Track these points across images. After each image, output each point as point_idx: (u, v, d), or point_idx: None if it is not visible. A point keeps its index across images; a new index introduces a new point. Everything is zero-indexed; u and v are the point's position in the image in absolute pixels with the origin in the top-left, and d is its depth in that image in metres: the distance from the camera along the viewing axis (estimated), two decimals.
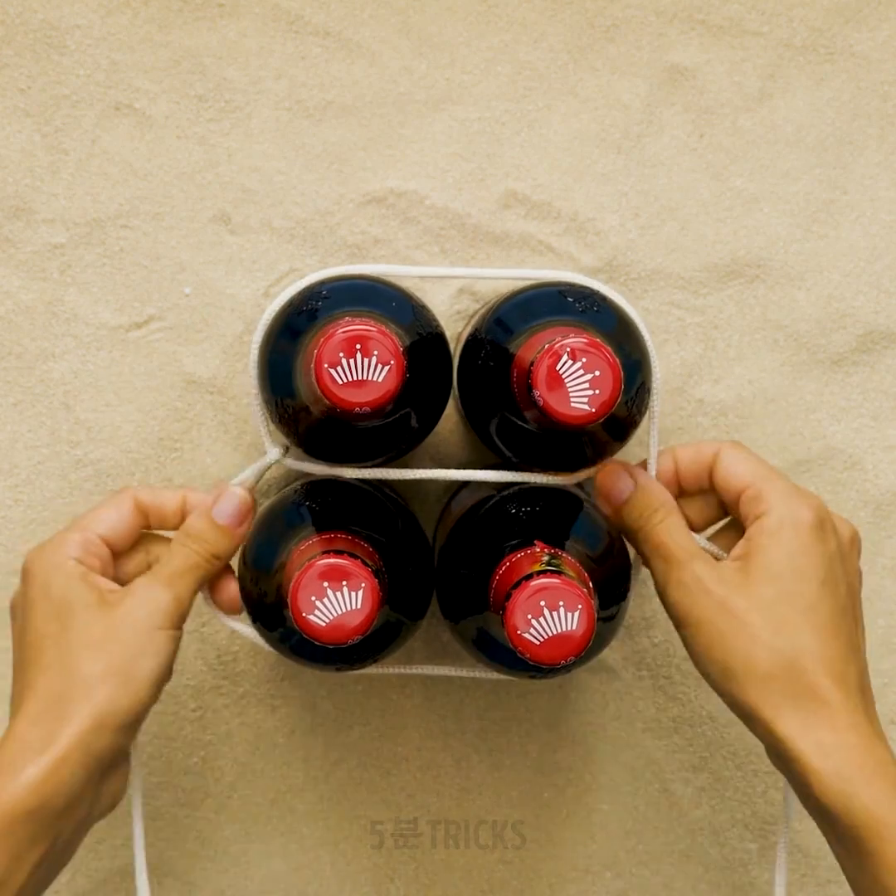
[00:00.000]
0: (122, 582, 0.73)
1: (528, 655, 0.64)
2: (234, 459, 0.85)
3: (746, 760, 0.87)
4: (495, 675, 0.75)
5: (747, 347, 0.85)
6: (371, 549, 0.69)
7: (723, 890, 0.88)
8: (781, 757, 0.66)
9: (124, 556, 0.74)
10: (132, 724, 0.69)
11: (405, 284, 0.74)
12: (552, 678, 0.83)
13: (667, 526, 0.71)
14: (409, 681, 0.86)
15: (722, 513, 0.74)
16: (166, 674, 0.70)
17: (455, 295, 0.84)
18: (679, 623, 0.69)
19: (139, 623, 0.69)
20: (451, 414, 0.82)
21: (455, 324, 0.83)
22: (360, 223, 0.84)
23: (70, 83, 0.83)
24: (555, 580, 0.63)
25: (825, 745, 0.64)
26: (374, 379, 0.64)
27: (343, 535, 0.69)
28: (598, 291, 0.73)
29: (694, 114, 0.85)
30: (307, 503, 0.74)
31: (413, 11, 0.84)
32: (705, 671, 0.68)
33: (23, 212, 0.83)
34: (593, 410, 0.64)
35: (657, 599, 0.87)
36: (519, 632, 0.64)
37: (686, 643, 0.69)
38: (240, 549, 0.77)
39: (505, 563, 0.67)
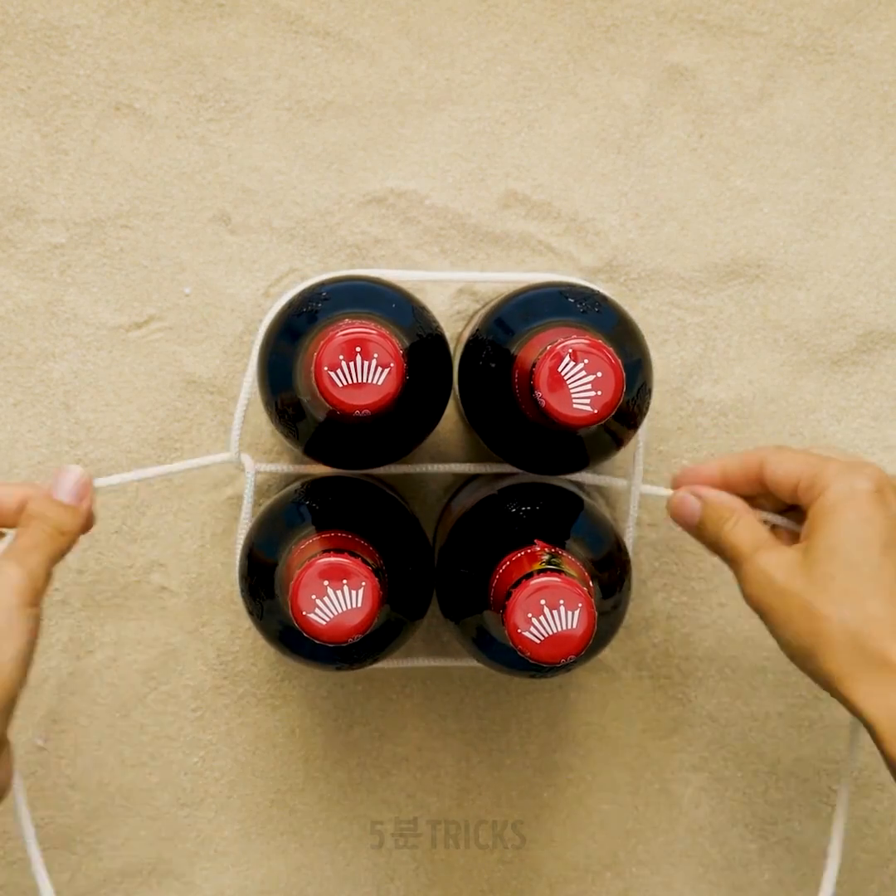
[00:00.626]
0: None
1: (529, 654, 0.64)
2: None
3: (746, 760, 0.87)
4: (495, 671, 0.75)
5: (747, 347, 0.85)
6: (371, 548, 0.70)
7: (723, 890, 0.88)
8: (864, 726, 0.68)
9: None
10: (3, 709, 0.67)
11: (405, 285, 0.74)
12: (552, 677, 0.83)
13: (738, 528, 0.72)
14: (409, 681, 0.86)
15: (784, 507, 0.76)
16: (30, 653, 0.69)
17: (455, 295, 0.84)
18: (759, 614, 0.71)
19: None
20: (450, 414, 0.81)
21: (455, 324, 0.83)
22: (360, 223, 0.84)
23: (70, 83, 0.83)
24: (555, 579, 0.63)
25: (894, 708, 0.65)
26: (374, 381, 0.64)
27: (344, 534, 0.70)
28: (597, 292, 0.73)
29: (694, 114, 0.85)
30: (308, 502, 0.74)
31: (413, 11, 0.84)
32: (789, 656, 0.70)
33: (23, 212, 0.83)
34: (596, 411, 0.64)
35: (657, 600, 0.87)
36: (519, 631, 0.64)
37: (771, 633, 0.71)
38: (242, 548, 0.77)
39: (505, 563, 0.67)
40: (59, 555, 0.72)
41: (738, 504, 0.73)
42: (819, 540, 0.68)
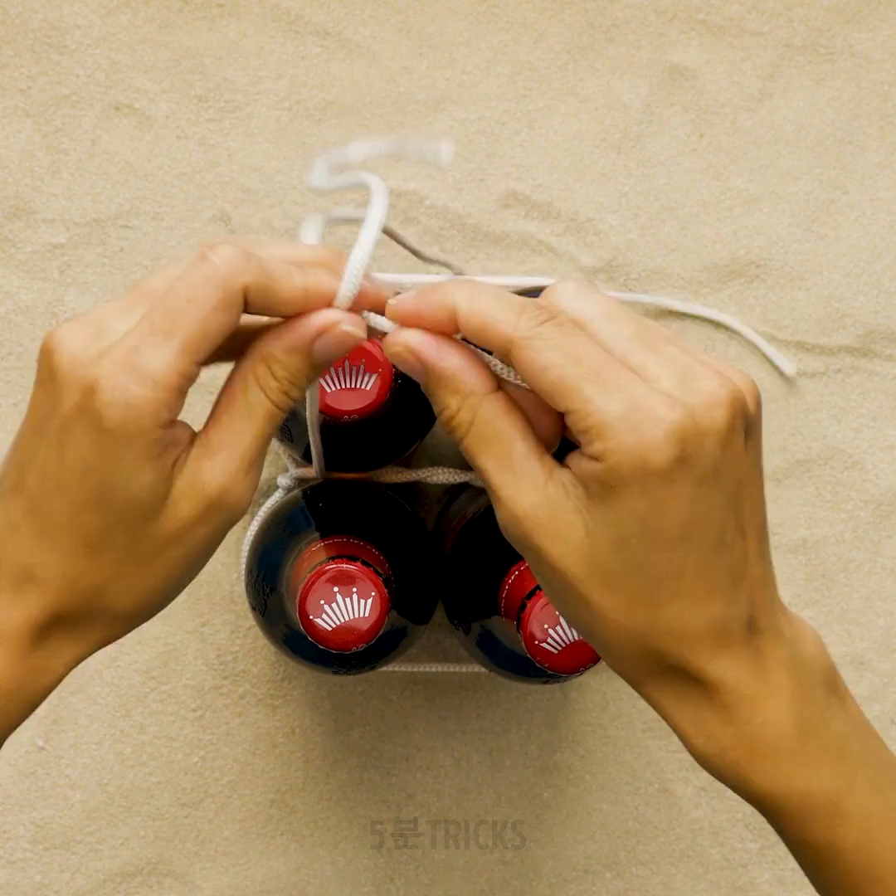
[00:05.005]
0: None
1: (547, 665, 0.64)
2: None
3: None
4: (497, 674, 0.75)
5: (747, 347, 0.85)
6: (381, 557, 0.69)
7: (723, 890, 0.88)
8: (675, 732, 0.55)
9: None
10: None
11: (402, 286, 0.74)
12: (563, 683, 0.83)
13: (478, 429, 0.52)
14: (409, 682, 0.86)
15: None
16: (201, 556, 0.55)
17: None
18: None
19: (199, 536, 0.53)
20: None
21: None
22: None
23: (70, 83, 0.83)
24: None
25: (706, 725, 0.53)
26: (363, 386, 0.64)
27: (355, 540, 0.69)
28: None
29: (694, 114, 0.85)
30: (318, 504, 0.74)
31: (413, 11, 0.84)
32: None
33: (23, 212, 0.83)
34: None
35: None
36: (536, 642, 0.64)
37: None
38: (248, 550, 0.77)
39: (515, 571, 0.67)
40: (276, 426, 0.54)
41: (472, 378, 0.52)
42: (602, 523, 0.50)
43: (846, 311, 0.85)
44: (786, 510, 0.86)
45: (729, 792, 0.88)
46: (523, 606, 0.64)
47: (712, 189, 0.85)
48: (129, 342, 0.50)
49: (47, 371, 0.53)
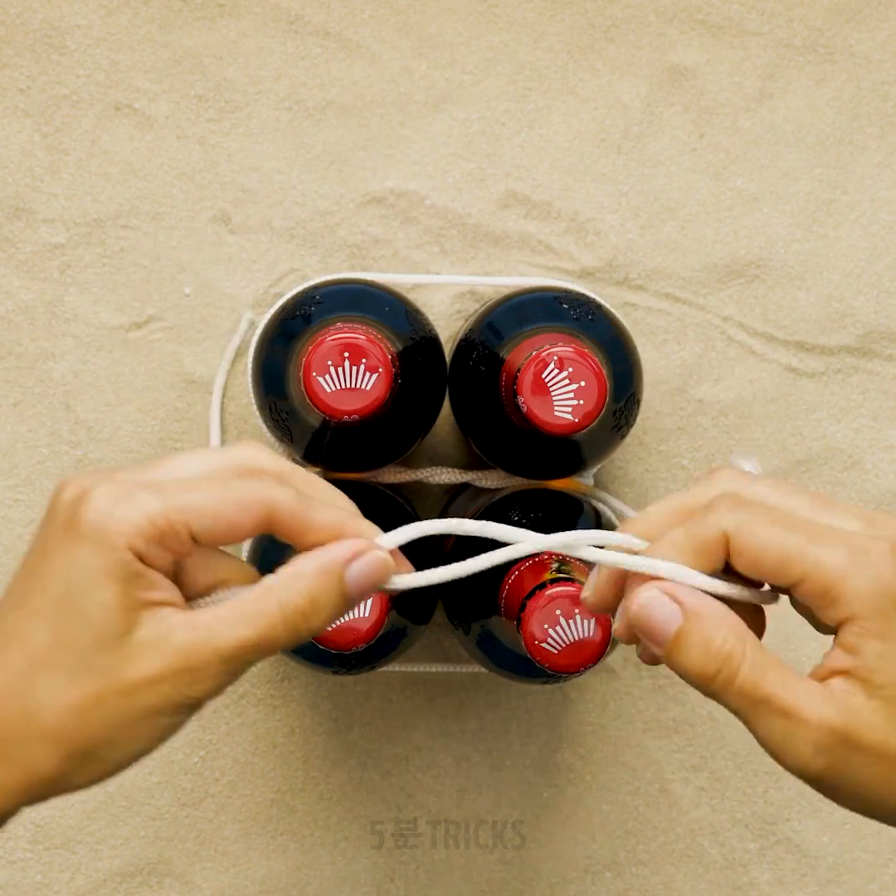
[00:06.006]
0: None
1: (547, 664, 0.64)
2: None
3: (746, 760, 0.87)
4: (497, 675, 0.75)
5: (747, 347, 0.85)
6: None
7: (723, 890, 0.88)
8: None
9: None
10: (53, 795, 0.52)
11: (404, 286, 0.74)
12: (564, 683, 0.83)
13: (755, 669, 0.52)
14: (409, 682, 0.86)
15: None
16: (134, 761, 0.54)
17: (456, 295, 0.84)
18: (828, 790, 0.53)
19: (147, 699, 0.51)
20: (448, 414, 0.81)
21: (456, 324, 0.83)
22: (360, 223, 0.84)
23: (70, 83, 0.83)
24: (569, 588, 0.63)
25: None
26: (363, 386, 0.64)
27: None
28: (593, 299, 0.73)
29: (694, 114, 0.85)
30: None
31: (413, 11, 0.84)
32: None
33: (23, 212, 0.83)
34: (576, 420, 0.64)
35: None
36: (536, 642, 0.64)
37: (865, 811, 0.54)
38: (249, 549, 0.77)
39: (514, 572, 0.67)
40: (278, 645, 0.52)
41: (738, 624, 0.52)
42: (882, 677, 0.50)
43: (846, 311, 0.85)
44: None
45: (729, 791, 0.89)
46: (523, 606, 0.64)
47: (712, 189, 0.85)
48: (135, 478, 0.51)
49: (51, 504, 0.52)
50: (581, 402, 0.64)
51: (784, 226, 0.85)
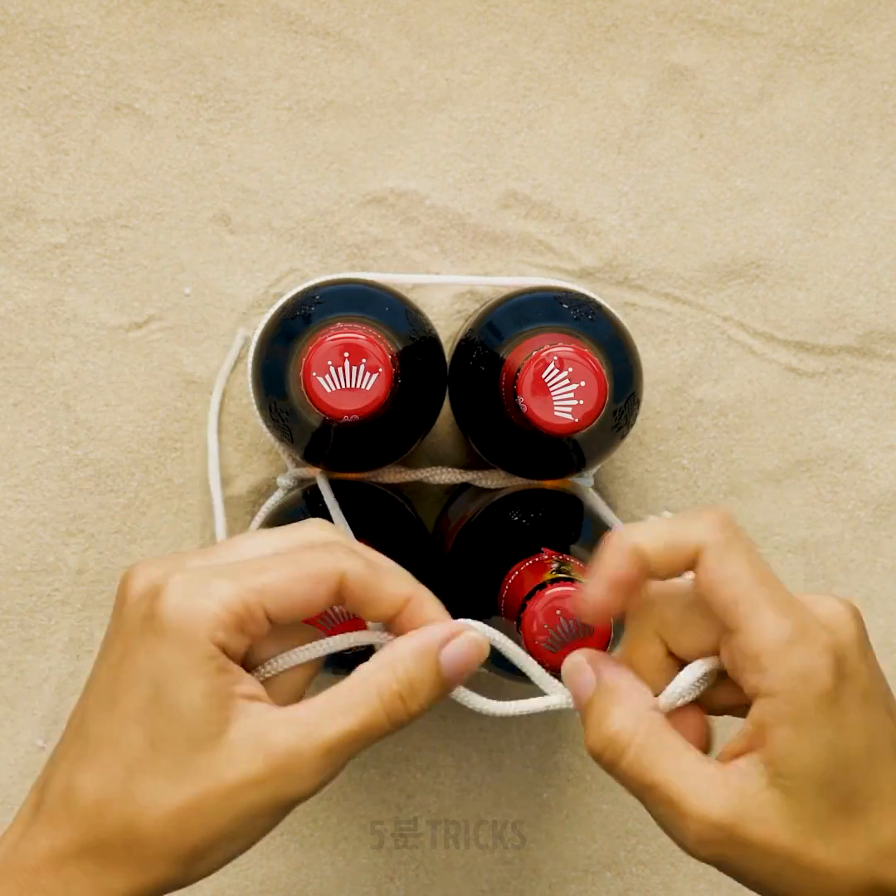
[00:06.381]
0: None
1: (547, 664, 0.64)
2: (235, 459, 0.85)
3: None
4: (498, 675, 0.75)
5: (747, 347, 0.85)
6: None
7: (723, 890, 0.88)
8: None
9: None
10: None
11: (404, 286, 0.74)
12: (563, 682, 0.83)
13: (645, 753, 0.51)
14: None
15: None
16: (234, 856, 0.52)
17: (456, 295, 0.84)
18: (723, 870, 0.52)
19: (248, 801, 0.49)
20: (448, 414, 0.82)
21: (456, 324, 0.83)
22: (360, 223, 0.84)
23: (70, 83, 0.83)
24: (569, 588, 0.63)
25: None
26: (363, 387, 0.64)
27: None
28: (593, 299, 0.73)
29: (694, 114, 0.85)
30: (318, 504, 0.74)
31: (413, 11, 0.84)
32: None
33: (23, 212, 0.83)
34: (576, 420, 0.64)
35: None
36: (537, 642, 0.64)
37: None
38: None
39: (514, 572, 0.67)
40: (380, 734, 0.52)
41: (643, 707, 0.52)
42: (797, 774, 0.50)
43: (846, 311, 0.85)
44: (786, 510, 0.86)
45: None
46: (523, 606, 0.64)
47: (712, 189, 0.85)
48: (205, 564, 0.51)
49: (119, 598, 0.52)
50: (581, 402, 0.64)
51: (784, 226, 0.85)
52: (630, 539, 0.51)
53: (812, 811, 0.50)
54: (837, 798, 0.50)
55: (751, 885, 0.52)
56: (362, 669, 0.52)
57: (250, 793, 0.49)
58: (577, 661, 0.54)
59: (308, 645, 0.53)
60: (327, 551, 0.51)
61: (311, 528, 0.53)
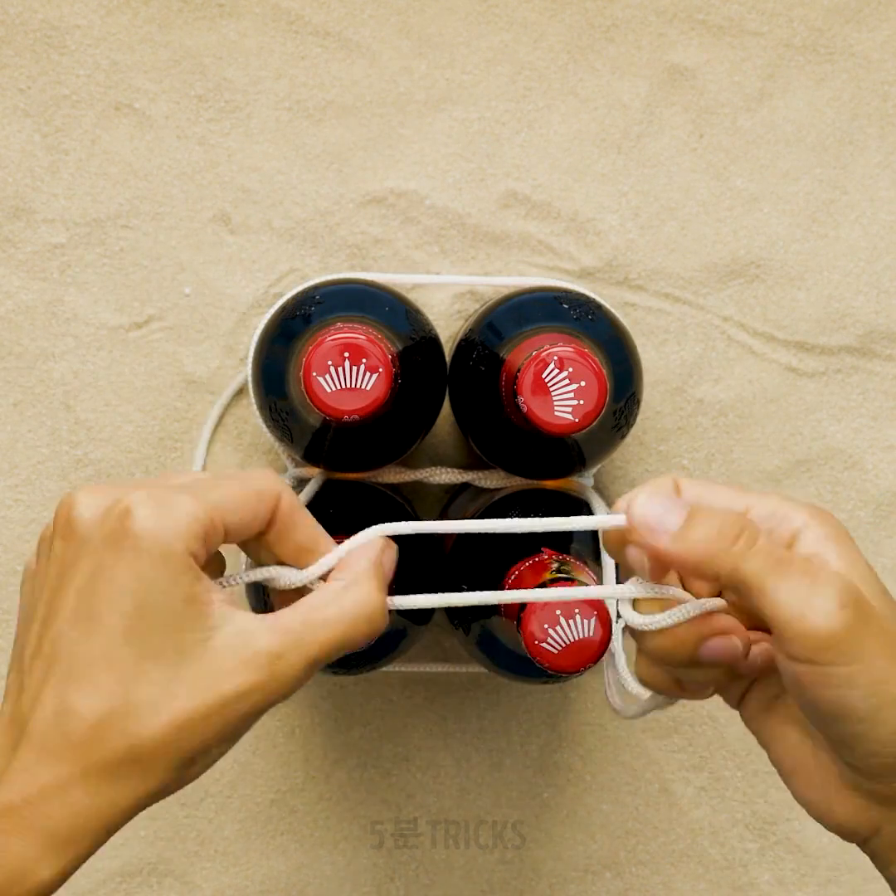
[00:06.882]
0: None
1: (547, 664, 0.64)
2: (235, 459, 0.85)
3: (746, 760, 0.87)
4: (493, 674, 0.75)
5: (747, 347, 0.85)
6: None
7: (723, 890, 0.88)
8: None
9: None
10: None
11: (404, 286, 0.74)
12: (563, 683, 0.83)
13: (770, 537, 0.52)
14: (409, 682, 0.86)
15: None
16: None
17: (456, 295, 0.84)
18: (836, 675, 0.50)
19: (241, 708, 0.52)
20: (448, 414, 0.82)
21: (456, 324, 0.83)
22: (360, 223, 0.84)
23: (70, 83, 0.83)
24: (569, 588, 0.63)
25: None
26: (363, 387, 0.64)
27: None
28: (593, 299, 0.73)
29: (694, 114, 0.85)
30: (318, 504, 0.74)
31: (413, 11, 0.84)
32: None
33: (23, 212, 0.83)
34: (576, 420, 0.64)
35: None
36: (536, 642, 0.64)
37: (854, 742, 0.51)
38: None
39: (514, 572, 0.67)
40: (359, 643, 0.55)
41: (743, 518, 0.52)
42: (852, 571, 0.51)
43: (846, 311, 0.85)
44: None
45: (729, 791, 0.89)
46: (523, 606, 0.64)
47: (712, 189, 0.85)
48: (157, 490, 0.52)
49: (66, 525, 0.53)
50: (581, 402, 0.64)
51: (784, 226, 0.85)
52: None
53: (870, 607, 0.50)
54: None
55: (857, 686, 0.50)
56: (335, 584, 0.55)
57: (243, 701, 0.51)
58: (654, 487, 0.53)
59: (264, 568, 0.56)
60: (266, 475, 0.54)
61: (253, 469, 0.56)
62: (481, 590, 0.71)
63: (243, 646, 0.51)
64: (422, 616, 0.75)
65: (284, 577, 0.56)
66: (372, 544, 0.56)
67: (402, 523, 0.57)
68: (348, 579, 0.55)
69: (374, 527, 0.57)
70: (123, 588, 0.50)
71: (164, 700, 0.50)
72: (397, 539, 0.74)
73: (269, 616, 0.53)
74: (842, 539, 0.52)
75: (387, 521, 0.75)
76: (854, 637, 0.49)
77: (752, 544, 0.50)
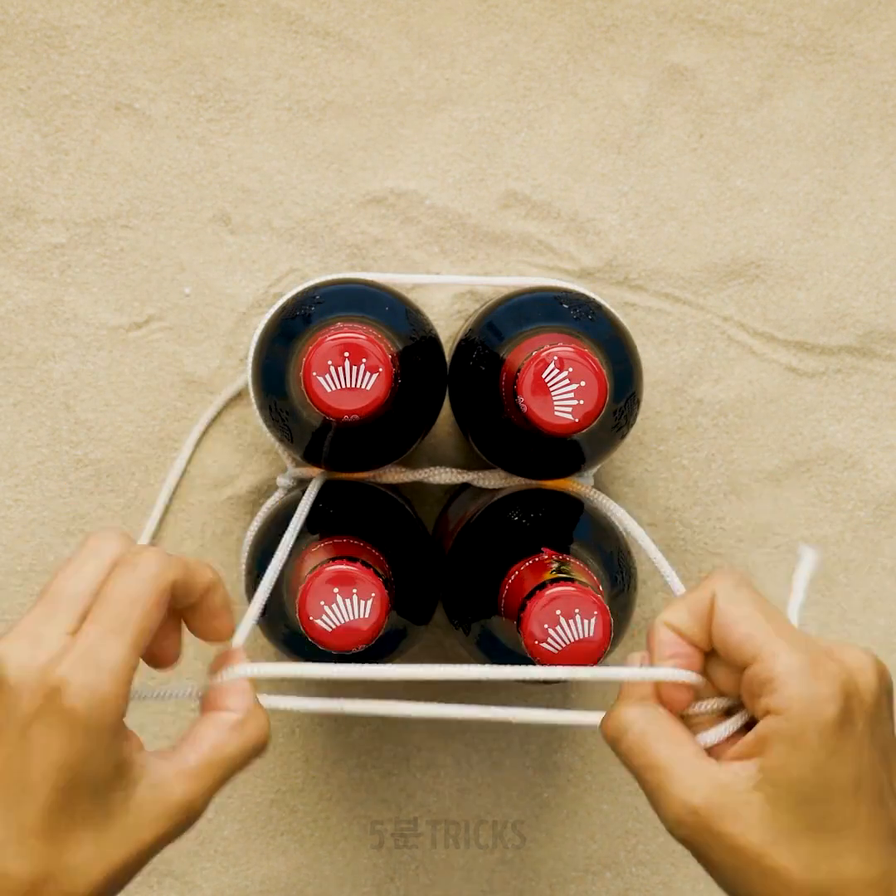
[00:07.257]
0: None
1: (548, 664, 0.64)
2: (235, 459, 0.85)
3: None
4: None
5: (747, 347, 0.85)
6: (381, 557, 0.69)
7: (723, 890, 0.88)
8: None
9: None
10: None
11: (404, 286, 0.74)
12: (564, 683, 0.83)
13: (645, 726, 0.57)
14: (409, 682, 0.86)
15: None
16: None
17: (456, 295, 0.84)
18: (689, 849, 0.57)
19: (161, 845, 0.59)
20: (448, 414, 0.82)
21: (456, 324, 0.83)
22: (360, 223, 0.84)
23: (70, 83, 0.83)
24: (569, 588, 0.63)
25: None
26: (363, 386, 0.64)
27: (355, 541, 0.69)
28: (593, 299, 0.73)
29: (694, 114, 0.85)
30: (318, 504, 0.74)
31: (413, 11, 0.84)
32: None
33: (23, 212, 0.83)
34: (576, 420, 0.64)
35: (657, 599, 0.87)
36: (536, 642, 0.64)
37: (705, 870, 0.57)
38: (248, 550, 0.77)
39: (514, 572, 0.67)
40: (240, 769, 0.60)
41: (643, 686, 0.58)
42: (782, 784, 0.54)
43: (846, 311, 0.85)
44: (786, 510, 0.86)
45: None
46: (523, 606, 0.64)
47: (712, 189, 0.85)
48: (86, 643, 0.53)
49: None
50: (581, 402, 0.64)
51: (784, 226, 0.85)
52: (660, 621, 0.57)
53: (786, 821, 0.54)
54: (813, 817, 0.54)
55: (716, 878, 0.56)
56: (229, 720, 0.59)
57: (161, 843, 0.58)
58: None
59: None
60: (158, 569, 0.55)
61: (109, 545, 0.56)
62: (481, 590, 0.71)
63: (160, 800, 0.57)
64: (421, 616, 0.75)
65: (188, 690, 0.61)
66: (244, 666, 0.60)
67: (265, 665, 0.61)
68: (242, 712, 0.59)
69: (238, 668, 0.61)
70: (55, 763, 0.52)
71: (94, 860, 0.55)
72: (397, 539, 0.74)
73: (177, 757, 0.57)
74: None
75: (386, 521, 0.76)
76: (692, 849, 0.56)
77: (619, 742, 0.57)
